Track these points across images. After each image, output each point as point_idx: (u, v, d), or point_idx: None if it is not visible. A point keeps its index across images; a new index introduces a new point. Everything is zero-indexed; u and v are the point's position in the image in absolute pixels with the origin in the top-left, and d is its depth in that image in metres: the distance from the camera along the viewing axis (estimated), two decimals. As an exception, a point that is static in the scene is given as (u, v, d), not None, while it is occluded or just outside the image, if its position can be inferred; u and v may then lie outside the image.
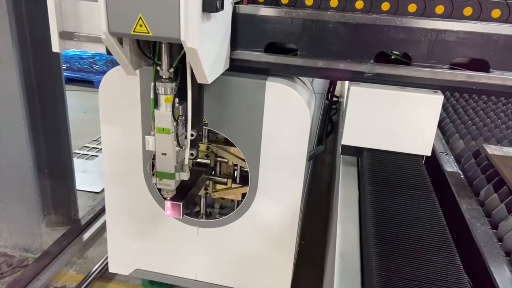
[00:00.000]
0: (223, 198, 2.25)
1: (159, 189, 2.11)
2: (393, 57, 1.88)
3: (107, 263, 2.75)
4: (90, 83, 6.58)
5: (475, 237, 1.32)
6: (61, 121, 2.95)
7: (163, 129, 1.64)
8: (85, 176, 3.95)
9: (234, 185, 2.14)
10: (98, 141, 4.74)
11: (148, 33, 1.35)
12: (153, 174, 2.05)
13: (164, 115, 1.62)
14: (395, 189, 1.53)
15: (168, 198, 1.79)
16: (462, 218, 1.43)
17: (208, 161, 2.09)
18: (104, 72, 6.66)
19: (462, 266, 1.15)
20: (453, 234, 1.29)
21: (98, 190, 3.74)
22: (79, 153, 4.42)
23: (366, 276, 1.23)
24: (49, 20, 1.82)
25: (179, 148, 1.70)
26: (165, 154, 1.67)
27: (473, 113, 2.41)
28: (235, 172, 2.16)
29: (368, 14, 1.69)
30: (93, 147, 4.59)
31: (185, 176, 1.76)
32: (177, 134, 1.67)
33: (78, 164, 4.11)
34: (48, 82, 2.80)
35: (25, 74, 2.61)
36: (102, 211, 3.33)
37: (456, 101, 2.67)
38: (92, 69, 6.47)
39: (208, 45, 1.47)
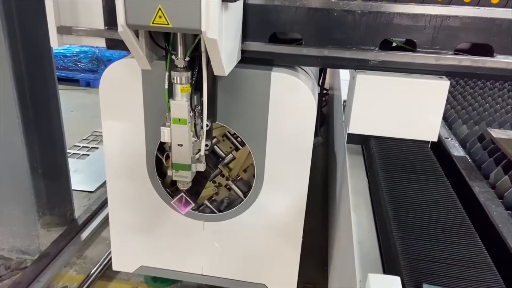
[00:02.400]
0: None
1: (166, 185, 2.10)
2: (394, 44, 1.89)
3: (107, 262, 2.73)
4: (76, 82, 6.49)
5: (492, 219, 1.34)
6: (55, 120, 2.89)
7: (179, 119, 1.62)
8: (78, 176, 3.88)
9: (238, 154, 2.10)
10: (88, 139, 4.68)
11: (168, 24, 1.32)
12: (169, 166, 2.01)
13: (181, 105, 1.60)
14: (407, 174, 1.54)
15: (184, 190, 1.77)
16: (476, 201, 1.45)
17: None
18: (89, 70, 6.58)
19: (484, 247, 1.16)
20: (469, 216, 1.31)
21: (92, 189, 3.69)
22: (70, 153, 4.33)
23: (388, 261, 1.24)
24: (47, 15, 1.78)
25: (196, 139, 1.68)
26: (181, 145, 1.65)
27: (471, 98, 2.45)
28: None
29: (373, 1, 1.69)
30: (83, 146, 4.52)
31: (202, 167, 1.74)
32: (194, 124, 1.66)
33: (69, 163, 4.05)
34: (40, 81, 2.74)
35: (17, 73, 2.54)
36: (98, 210, 3.30)
37: (453, 88, 2.71)
38: (77, 67, 6.35)
39: (225, 36, 1.46)
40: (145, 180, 2.10)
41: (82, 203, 3.50)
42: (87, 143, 4.58)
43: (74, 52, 6.27)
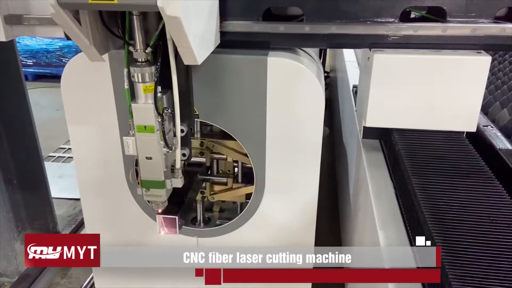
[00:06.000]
0: (223, 201, 1.91)
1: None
2: (413, 15, 1.55)
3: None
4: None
5: None
6: (26, 124, 2.57)
7: (145, 127, 1.29)
8: (63, 182, 3.56)
9: (235, 185, 1.81)
10: (75, 141, 4.34)
11: (113, 0, 0.98)
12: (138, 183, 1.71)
13: (144, 108, 1.27)
14: (446, 179, 1.21)
15: (160, 211, 1.45)
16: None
17: (203, 160, 1.75)
18: (75, 65, 6.18)
19: None
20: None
21: (79, 196, 3.36)
22: (54, 156, 4.02)
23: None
24: (-10, 2, 1.46)
25: (168, 149, 1.35)
26: (151, 158, 1.33)
27: (503, 75, 2.10)
28: (236, 169, 1.82)
29: (390, -40, 1.35)
30: (69, 148, 4.18)
31: (178, 182, 1.42)
32: (163, 131, 1.33)
33: (54, 168, 3.75)
34: (5, 82, 2.42)
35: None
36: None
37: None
38: (62, 62, 5.98)
39: (194, 14, 1.11)
40: (125, 193, 1.78)
41: (68, 212, 3.19)
42: (73, 145, 4.25)
43: (58, 47, 5.92)
